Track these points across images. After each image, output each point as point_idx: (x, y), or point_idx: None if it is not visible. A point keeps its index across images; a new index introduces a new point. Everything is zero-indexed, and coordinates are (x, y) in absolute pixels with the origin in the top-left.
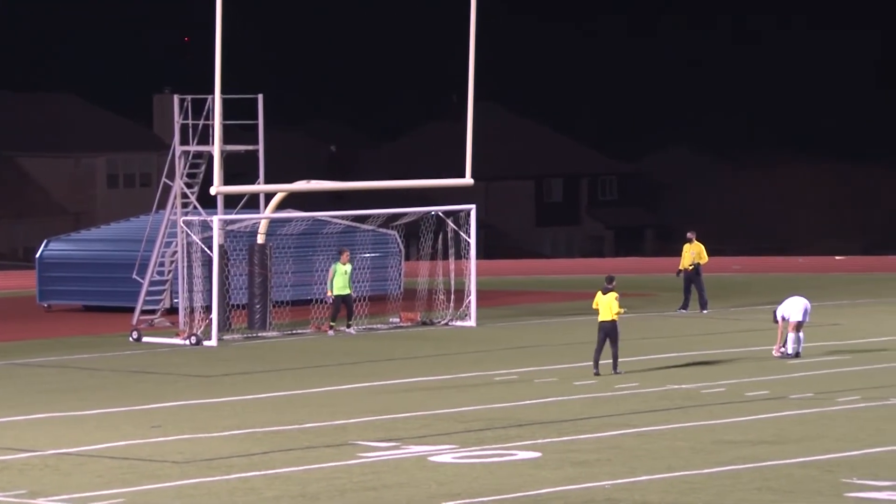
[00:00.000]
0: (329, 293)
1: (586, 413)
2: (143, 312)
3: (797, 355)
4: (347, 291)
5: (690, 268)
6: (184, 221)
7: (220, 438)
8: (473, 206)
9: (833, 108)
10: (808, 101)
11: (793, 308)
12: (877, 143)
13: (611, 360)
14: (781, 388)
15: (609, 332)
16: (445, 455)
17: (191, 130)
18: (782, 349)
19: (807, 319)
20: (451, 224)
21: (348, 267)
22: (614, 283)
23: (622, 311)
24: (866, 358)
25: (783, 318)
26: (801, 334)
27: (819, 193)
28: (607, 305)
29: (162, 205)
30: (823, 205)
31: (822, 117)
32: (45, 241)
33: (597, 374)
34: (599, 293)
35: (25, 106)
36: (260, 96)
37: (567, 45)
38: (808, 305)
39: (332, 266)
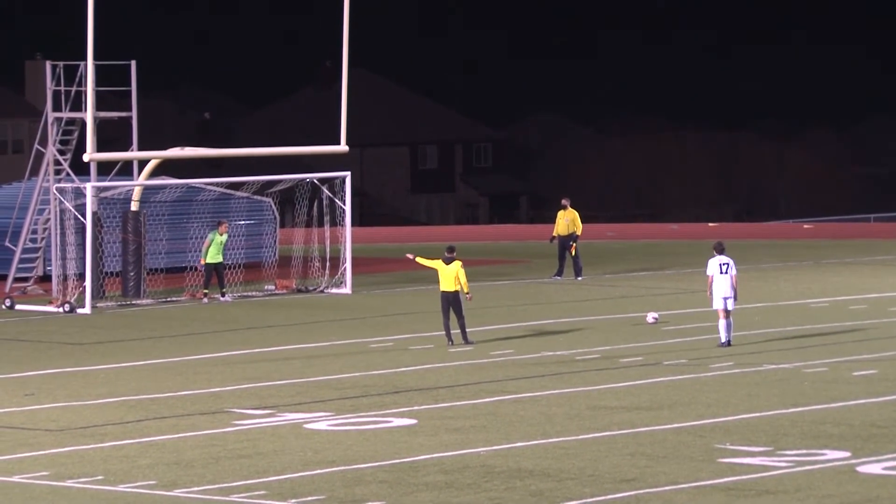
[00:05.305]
0: (202, 261)
1: (462, 380)
2: (16, 280)
3: (728, 343)
4: (220, 259)
5: (569, 240)
6: (57, 188)
7: (93, 406)
8: (348, 173)
9: (702, 77)
10: (676, 70)
11: (717, 290)
12: (741, 111)
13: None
14: (655, 354)
15: (452, 302)
16: (321, 422)
17: (63, 97)
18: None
19: (732, 307)
20: (326, 191)
21: (224, 237)
22: (455, 252)
23: (469, 293)
24: (740, 324)
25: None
26: (730, 320)
27: (687, 161)
28: (451, 275)
29: (35, 172)
30: (692, 172)
31: (691, 86)
32: None
33: (451, 343)
34: (440, 262)
35: None
36: (133, 63)
37: (438, 12)
38: (731, 289)
39: (210, 235)
